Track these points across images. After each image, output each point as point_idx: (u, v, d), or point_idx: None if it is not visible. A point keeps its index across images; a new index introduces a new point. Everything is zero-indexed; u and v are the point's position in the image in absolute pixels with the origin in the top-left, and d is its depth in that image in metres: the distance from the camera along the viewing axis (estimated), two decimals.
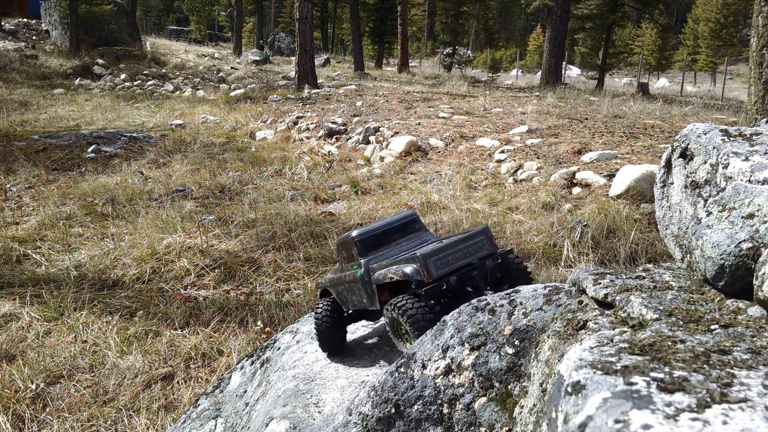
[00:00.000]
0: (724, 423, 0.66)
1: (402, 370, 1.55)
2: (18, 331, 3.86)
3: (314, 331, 2.11)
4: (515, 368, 1.31)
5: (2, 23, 25.35)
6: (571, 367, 0.88)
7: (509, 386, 1.31)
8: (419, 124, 10.22)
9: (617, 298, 1.17)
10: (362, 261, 1.84)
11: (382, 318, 1.76)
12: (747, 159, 1.18)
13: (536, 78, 27.39)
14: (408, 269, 1.66)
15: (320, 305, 2.07)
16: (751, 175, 1.14)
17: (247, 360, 2.41)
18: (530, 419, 1.16)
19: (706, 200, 1.26)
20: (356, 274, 1.85)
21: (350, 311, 2.07)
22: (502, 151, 7.90)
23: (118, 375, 3.36)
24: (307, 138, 10.87)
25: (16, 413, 3.03)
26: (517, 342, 1.33)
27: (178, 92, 18.59)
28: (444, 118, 10.82)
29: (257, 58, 27.90)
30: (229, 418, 2.12)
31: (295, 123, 12.00)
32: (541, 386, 1.16)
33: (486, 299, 1.52)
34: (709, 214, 1.16)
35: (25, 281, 4.59)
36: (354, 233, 1.89)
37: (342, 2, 39.39)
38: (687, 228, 1.27)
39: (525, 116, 10.67)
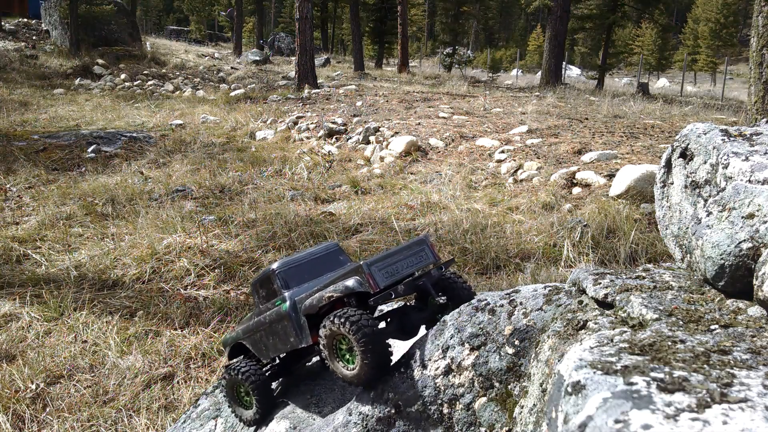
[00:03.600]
0: (724, 423, 0.66)
1: (402, 370, 1.54)
2: (18, 331, 3.86)
3: (247, 393, 1.83)
4: (515, 368, 1.31)
5: (2, 23, 25.35)
6: (571, 367, 0.88)
7: (509, 386, 1.31)
8: (419, 124, 10.22)
9: (617, 298, 1.17)
10: (286, 293, 1.67)
11: (321, 343, 1.54)
12: (747, 159, 1.18)
13: (536, 78, 27.40)
14: (350, 282, 1.48)
15: (241, 364, 1.82)
16: (751, 175, 1.14)
17: None
18: (530, 419, 1.16)
19: (706, 200, 1.26)
20: (280, 309, 1.66)
21: (269, 362, 1.85)
22: (502, 151, 7.90)
23: (118, 375, 3.36)
24: (307, 138, 10.87)
25: (16, 413, 3.03)
26: (517, 342, 1.33)
27: (178, 92, 18.59)
28: (444, 118, 10.82)
29: (257, 58, 27.90)
30: (229, 418, 2.12)
31: (295, 123, 12.00)
32: (541, 386, 1.16)
33: (486, 299, 1.52)
34: (709, 214, 1.16)
35: (25, 281, 4.59)
36: (274, 265, 1.73)
37: (342, 2, 39.39)
38: (687, 228, 1.27)
39: (525, 116, 10.67)
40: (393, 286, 1.51)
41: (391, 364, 1.52)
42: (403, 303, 1.85)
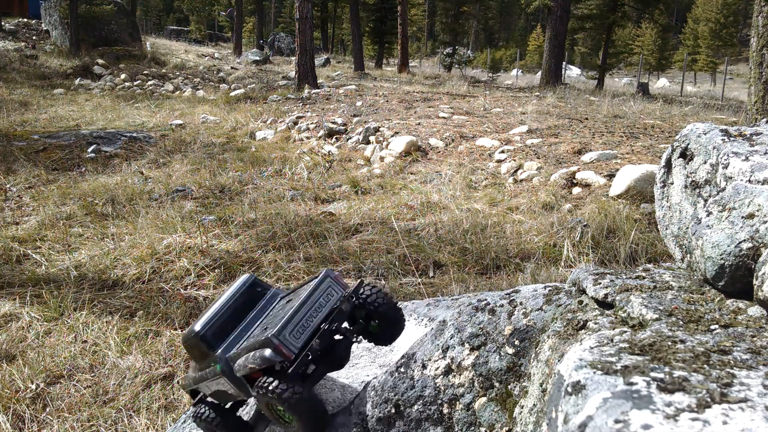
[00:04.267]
0: (724, 423, 0.66)
1: (402, 370, 1.54)
2: (18, 331, 3.86)
3: None
4: (515, 368, 1.31)
5: (2, 23, 25.35)
6: (571, 367, 0.88)
7: (509, 386, 1.31)
8: (419, 124, 10.22)
9: (617, 298, 1.17)
10: (216, 354, 1.64)
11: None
12: (747, 159, 1.18)
13: (536, 78, 27.40)
14: (267, 353, 1.48)
15: (202, 407, 1.80)
16: (751, 175, 1.14)
17: None
18: (530, 419, 1.16)
19: (706, 200, 1.26)
20: (215, 369, 1.65)
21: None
22: (502, 151, 7.90)
23: (118, 375, 3.36)
24: (307, 138, 10.87)
25: (16, 413, 3.02)
26: (517, 342, 1.32)
27: (178, 92, 18.59)
28: (444, 118, 10.82)
29: (257, 58, 27.90)
30: None
31: (295, 123, 12.01)
32: (541, 386, 1.16)
33: (486, 299, 1.52)
34: (709, 214, 1.16)
35: (25, 281, 4.59)
36: (196, 327, 1.68)
37: (342, 2, 39.40)
38: (687, 228, 1.27)
39: (525, 116, 10.67)
40: (308, 343, 1.51)
41: (325, 416, 1.56)
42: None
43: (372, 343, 1.72)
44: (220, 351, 1.64)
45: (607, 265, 4.59)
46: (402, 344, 1.94)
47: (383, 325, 1.65)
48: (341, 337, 1.63)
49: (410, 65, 29.92)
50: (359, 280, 1.68)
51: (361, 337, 1.62)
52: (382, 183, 7.46)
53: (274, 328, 1.49)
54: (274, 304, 1.75)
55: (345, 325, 1.64)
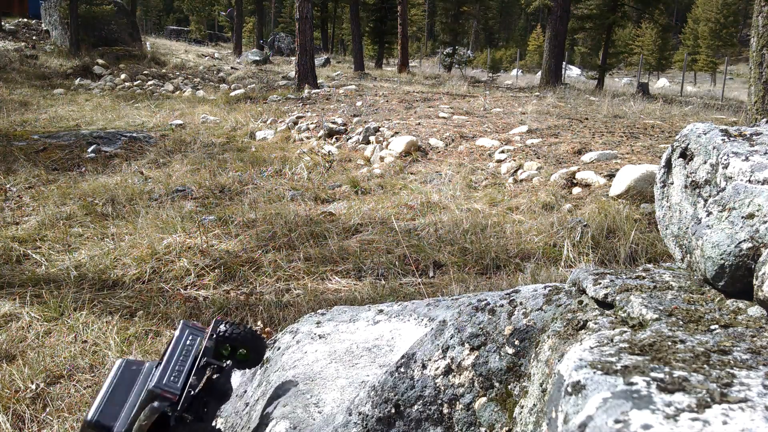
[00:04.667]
0: (724, 423, 0.66)
1: (402, 370, 1.54)
2: (18, 331, 3.86)
3: None
4: (515, 368, 1.30)
5: (2, 23, 25.36)
6: (571, 367, 0.88)
7: (509, 386, 1.31)
8: (419, 124, 10.23)
9: (617, 298, 1.17)
10: None
11: None
12: (747, 159, 1.18)
13: (536, 78, 27.40)
14: (155, 404, 1.59)
15: None
16: (751, 175, 1.14)
17: None
18: (530, 419, 1.16)
19: (706, 200, 1.26)
20: None
21: None
22: (502, 151, 7.90)
23: None
24: (307, 138, 10.87)
25: (16, 413, 3.02)
26: (517, 342, 1.32)
27: (178, 92, 18.59)
28: (444, 118, 10.82)
29: (257, 58, 27.90)
30: (229, 418, 2.12)
31: (295, 123, 12.01)
32: (541, 386, 1.16)
33: (486, 299, 1.52)
34: (709, 214, 1.16)
35: (25, 281, 4.58)
36: (88, 416, 1.75)
37: (342, 2, 39.40)
38: (687, 228, 1.27)
39: (525, 116, 10.67)
40: (187, 381, 1.65)
41: None
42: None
43: (244, 369, 1.91)
44: (116, 430, 1.72)
45: (607, 265, 4.59)
46: (402, 344, 1.95)
47: (248, 351, 1.88)
48: (215, 373, 1.77)
49: (410, 65, 29.93)
50: (214, 320, 1.89)
51: (235, 368, 1.82)
52: (382, 183, 7.46)
53: (152, 383, 1.62)
54: (152, 374, 1.86)
55: (216, 360, 1.82)
